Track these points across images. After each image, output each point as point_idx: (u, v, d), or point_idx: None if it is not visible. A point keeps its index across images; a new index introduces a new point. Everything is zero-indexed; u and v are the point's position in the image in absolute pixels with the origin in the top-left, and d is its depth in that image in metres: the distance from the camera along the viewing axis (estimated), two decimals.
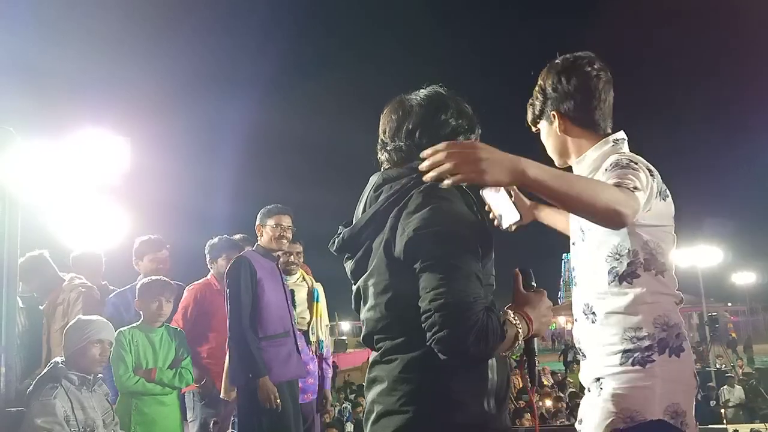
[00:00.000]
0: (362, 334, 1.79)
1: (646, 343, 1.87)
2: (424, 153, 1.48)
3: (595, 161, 2.01)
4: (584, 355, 2.03)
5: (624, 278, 1.90)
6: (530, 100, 2.17)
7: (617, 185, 1.70)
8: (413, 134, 1.76)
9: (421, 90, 1.85)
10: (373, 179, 1.81)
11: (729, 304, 41.61)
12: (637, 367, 1.86)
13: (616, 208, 1.61)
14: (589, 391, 1.99)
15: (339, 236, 1.79)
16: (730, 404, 12.11)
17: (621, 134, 2.05)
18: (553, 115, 2.07)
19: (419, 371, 1.60)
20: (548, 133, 2.13)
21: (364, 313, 1.73)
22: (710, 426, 7.06)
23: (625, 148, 2.02)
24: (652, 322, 1.87)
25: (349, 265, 1.80)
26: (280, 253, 4.30)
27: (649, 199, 1.79)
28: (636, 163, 1.83)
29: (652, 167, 1.89)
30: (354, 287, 1.79)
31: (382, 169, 1.83)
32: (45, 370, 3.34)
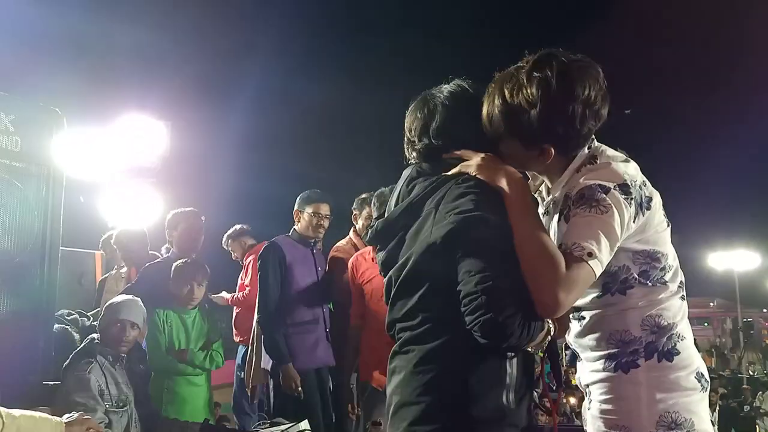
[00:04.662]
0: (386, 322, 1.78)
1: (632, 347, 1.69)
2: (457, 153, 1.71)
3: (569, 176, 1.74)
4: (579, 357, 1.90)
5: (616, 292, 1.71)
6: (514, 102, 1.68)
7: (569, 255, 1.54)
8: (439, 134, 1.75)
9: (445, 86, 1.80)
10: (407, 173, 1.82)
11: (765, 310, 40.62)
12: (618, 372, 1.70)
13: (546, 301, 1.51)
14: (587, 395, 1.87)
15: (373, 228, 1.81)
16: (762, 411, 11.89)
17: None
18: (543, 148, 1.71)
19: (436, 362, 1.59)
20: (527, 157, 1.75)
21: (391, 302, 1.74)
22: None
23: (595, 142, 1.77)
24: (640, 324, 1.69)
25: (380, 256, 1.81)
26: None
27: (626, 228, 1.62)
28: (606, 192, 1.60)
29: (630, 175, 1.66)
30: (385, 279, 1.79)
31: (412, 164, 1.83)
32: (81, 346, 3.43)
